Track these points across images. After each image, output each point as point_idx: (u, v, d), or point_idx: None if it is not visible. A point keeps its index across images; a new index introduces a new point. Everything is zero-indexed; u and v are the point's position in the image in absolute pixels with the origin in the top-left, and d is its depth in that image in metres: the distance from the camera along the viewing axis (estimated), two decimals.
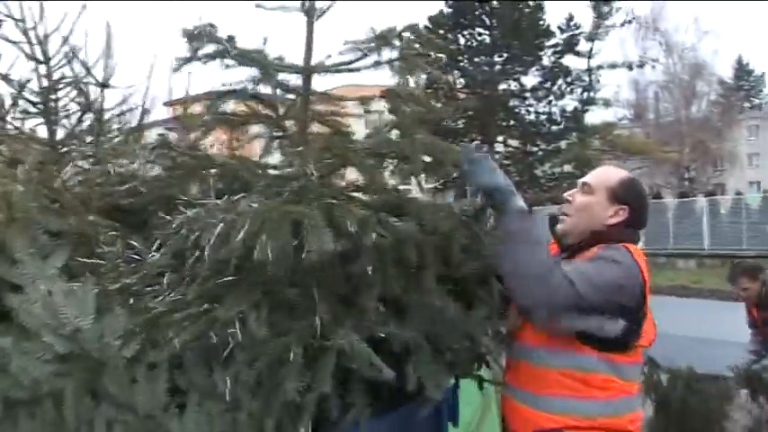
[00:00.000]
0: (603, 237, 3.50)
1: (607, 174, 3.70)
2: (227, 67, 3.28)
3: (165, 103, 4.69)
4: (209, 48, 3.29)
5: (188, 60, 3.35)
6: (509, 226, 3.32)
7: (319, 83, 3.42)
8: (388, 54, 3.38)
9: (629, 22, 55.95)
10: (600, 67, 53.63)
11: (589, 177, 3.69)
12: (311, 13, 3.35)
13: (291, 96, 3.44)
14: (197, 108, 3.43)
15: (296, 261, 2.90)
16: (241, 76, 3.33)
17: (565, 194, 3.72)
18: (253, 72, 3.34)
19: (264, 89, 3.40)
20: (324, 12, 3.39)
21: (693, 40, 61.54)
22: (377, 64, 3.38)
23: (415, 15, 50.55)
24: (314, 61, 3.38)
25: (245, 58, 3.30)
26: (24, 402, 2.76)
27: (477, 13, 50.52)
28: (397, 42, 3.39)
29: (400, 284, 3.13)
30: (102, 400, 2.74)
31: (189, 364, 2.84)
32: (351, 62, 3.38)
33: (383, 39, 3.36)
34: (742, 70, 73.56)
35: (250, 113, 3.54)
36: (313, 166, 3.24)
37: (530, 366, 3.46)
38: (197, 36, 3.28)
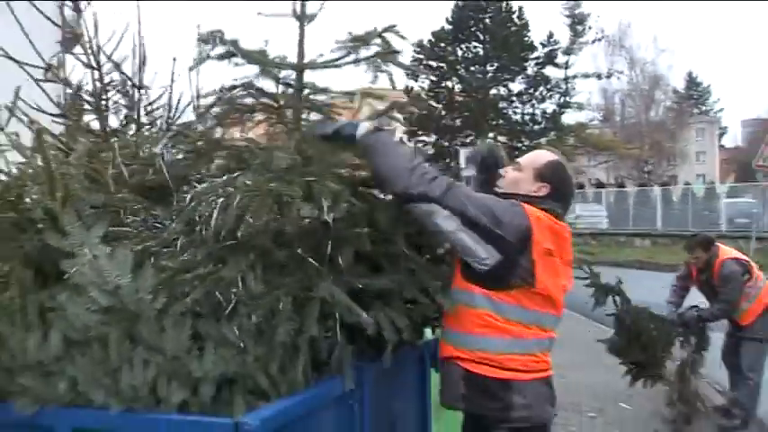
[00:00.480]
0: (523, 200, 3.42)
1: (537, 156, 3.68)
2: (236, 65, 3.29)
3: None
4: (220, 49, 3.31)
5: (202, 60, 3.37)
6: (367, 142, 3.27)
7: (326, 81, 3.41)
8: (365, 52, 3.36)
9: (600, 39, 55.96)
10: (575, 77, 53.61)
11: (522, 158, 3.69)
12: (302, 19, 3.35)
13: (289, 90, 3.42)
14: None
15: (280, 228, 3.01)
16: (247, 73, 3.33)
17: (500, 170, 3.70)
18: (255, 69, 3.34)
19: (265, 84, 3.39)
20: (314, 17, 3.37)
21: (652, 56, 61.29)
22: (356, 61, 3.36)
23: (420, 32, 50.32)
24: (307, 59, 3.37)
25: (250, 57, 3.31)
26: (78, 343, 2.79)
27: (472, 29, 50.46)
28: (376, 42, 3.36)
29: (372, 244, 3.15)
30: (138, 344, 2.77)
31: (203, 316, 2.91)
32: (336, 60, 3.36)
33: (362, 39, 3.35)
34: (692, 82, 73.26)
35: (255, 104, 3.53)
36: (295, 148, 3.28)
37: (446, 307, 3.38)
38: (209, 39, 3.30)
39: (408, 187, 3.16)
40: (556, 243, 3.40)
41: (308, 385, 2.95)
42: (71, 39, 4.34)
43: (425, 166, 3.26)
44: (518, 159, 3.68)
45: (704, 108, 75.01)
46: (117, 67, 4.09)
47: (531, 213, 3.32)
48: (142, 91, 4.13)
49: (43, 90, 4.16)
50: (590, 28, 54.67)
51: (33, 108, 3.91)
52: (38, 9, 4.37)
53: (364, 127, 3.29)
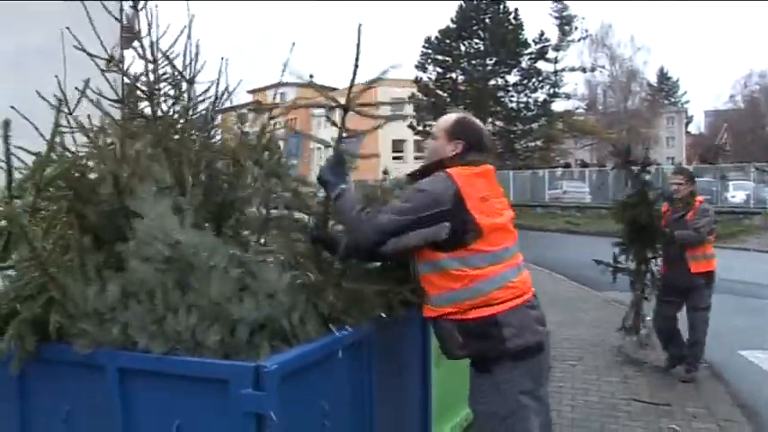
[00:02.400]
0: (447, 163, 3.41)
1: (444, 120, 3.60)
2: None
3: (248, 91, 4.68)
4: None
5: None
6: (334, 206, 3.40)
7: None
8: None
9: (584, 38, 55.63)
10: (563, 70, 53.25)
11: (433, 127, 3.65)
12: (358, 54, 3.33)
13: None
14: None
15: None
16: None
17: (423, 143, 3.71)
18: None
19: None
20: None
21: (630, 53, 60.85)
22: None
23: (428, 29, 50.16)
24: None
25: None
26: (132, 293, 2.85)
27: (474, 28, 50.28)
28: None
29: None
30: (187, 292, 2.83)
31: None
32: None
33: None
34: (663, 77, 72.70)
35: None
36: None
37: (419, 277, 3.40)
38: None
39: (367, 239, 3.26)
40: (488, 187, 3.40)
41: (321, 335, 2.99)
42: (130, 35, 4.33)
43: (361, 215, 3.29)
44: (431, 131, 3.65)
45: (673, 99, 74.60)
46: (170, 62, 4.08)
47: (455, 174, 3.30)
48: (191, 85, 4.11)
49: (107, 79, 4.16)
50: (576, 28, 54.42)
51: (97, 95, 3.92)
52: (105, 8, 4.36)
53: (336, 186, 3.39)
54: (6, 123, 2.93)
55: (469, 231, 3.23)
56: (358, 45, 3.28)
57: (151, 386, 2.79)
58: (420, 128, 49.89)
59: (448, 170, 3.32)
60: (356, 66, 3.28)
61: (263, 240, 3.44)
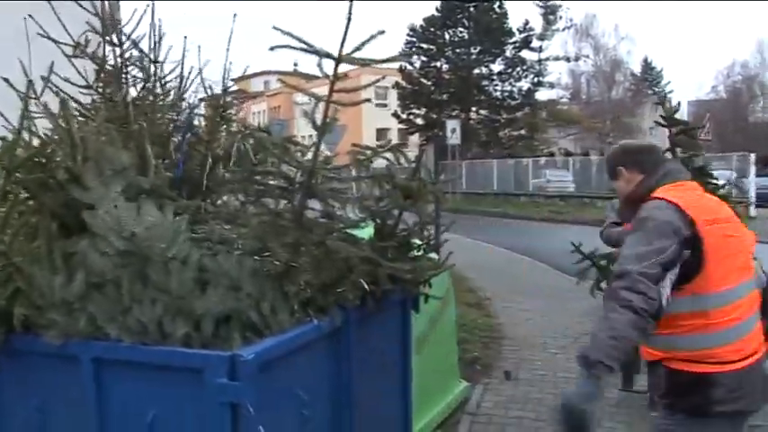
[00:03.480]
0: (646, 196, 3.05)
1: (608, 159, 3.38)
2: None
3: (232, 80, 4.62)
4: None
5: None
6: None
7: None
8: None
9: (569, 27, 55.56)
10: (547, 59, 53.18)
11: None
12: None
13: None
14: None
15: None
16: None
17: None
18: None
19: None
20: None
21: (614, 42, 60.90)
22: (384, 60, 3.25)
23: (413, 17, 50.23)
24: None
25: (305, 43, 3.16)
26: (97, 284, 2.79)
27: (459, 16, 50.16)
28: None
29: None
30: (148, 285, 2.77)
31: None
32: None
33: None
34: (647, 67, 72.69)
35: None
36: None
37: None
38: None
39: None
40: (710, 210, 3.01)
41: (297, 324, 2.93)
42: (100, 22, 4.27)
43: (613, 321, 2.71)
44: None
45: (657, 89, 74.89)
46: (135, 44, 4.03)
47: (669, 197, 2.95)
48: (157, 65, 4.06)
49: (73, 65, 4.11)
50: (561, 17, 54.41)
51: (63, 80, 3.86)
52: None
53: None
54: None
55: (688, 266, 2.85)
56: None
57: (126, 376, 2.75)
58: (404, 116, 49.83)
59: (661, 197, 2.98)
60: (349, 18, 3.17)
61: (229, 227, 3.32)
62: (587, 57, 58.81)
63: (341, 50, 3.18)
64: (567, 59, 56.65)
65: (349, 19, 3.16)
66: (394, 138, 57.89)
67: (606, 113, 57.78)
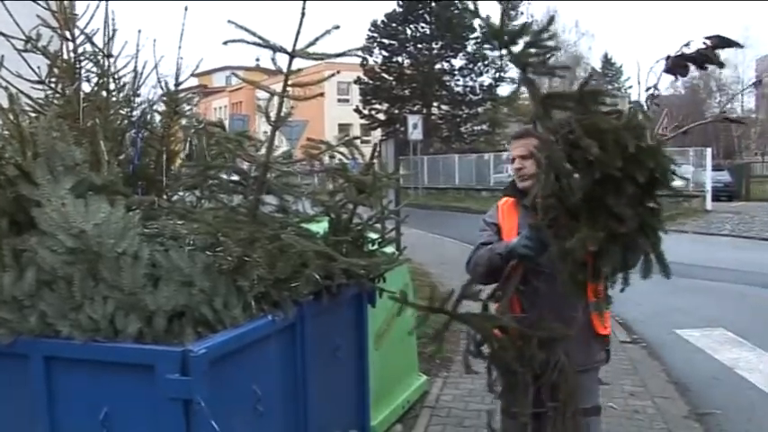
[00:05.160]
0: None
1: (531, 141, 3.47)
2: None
3: (193, 74, 4.58)
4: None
5: None
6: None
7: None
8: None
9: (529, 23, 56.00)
10: None
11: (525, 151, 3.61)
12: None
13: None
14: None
15: None
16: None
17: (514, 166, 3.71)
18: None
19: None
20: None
21: (575, 38, 61.57)
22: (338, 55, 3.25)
23: (374, 13, 50.17)
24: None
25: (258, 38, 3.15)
26: (47, 282, 2.76)
27: (420, 11, 50.21)
28: None
29: None
30: (99, 282, 2.75)
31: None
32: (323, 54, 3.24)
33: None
34: (608, 62, 73.81)
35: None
36: None
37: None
38: None
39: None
40: None
41: (251, 319, 2.93)
42: (53, 15, 4.22)
43: None
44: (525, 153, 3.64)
45: (617, 85, 75.81)
46: (89, 38, 3.99)
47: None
48: (111, 59, 4.02)
49: (24, 60, 4.05)
50: (522, 13, 54.72)
51: (15, 76, 3.82)
52: None
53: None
54: None
55: None
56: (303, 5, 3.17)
57: (78, 373, 2.72)
58: (366, 112, 49.75)
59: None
60: (302, 14, 3.16)
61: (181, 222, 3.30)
62: None
63: (294, 45, 3.18)
64: None
65: (303, 14, 3.17)
66: (356, 133, 58.09)
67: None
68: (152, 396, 2.52)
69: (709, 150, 29.41)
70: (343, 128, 57.79)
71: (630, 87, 63.36)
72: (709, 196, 28.24)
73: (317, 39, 3.23)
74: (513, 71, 55.52)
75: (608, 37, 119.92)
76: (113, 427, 2.65)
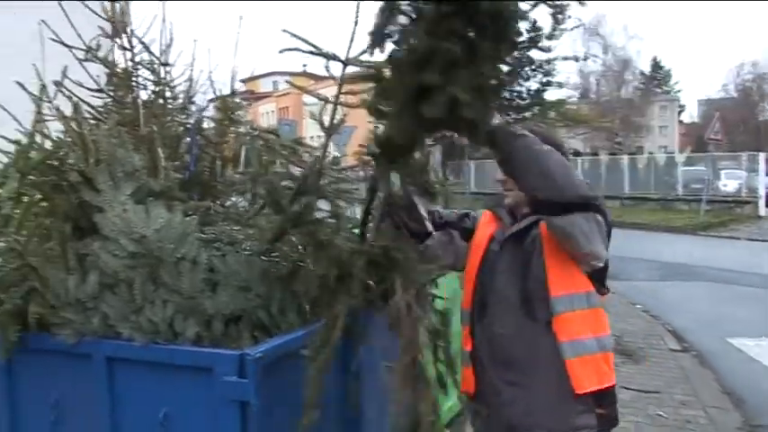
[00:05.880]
0: None
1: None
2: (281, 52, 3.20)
3: (241, 80, 4.67)
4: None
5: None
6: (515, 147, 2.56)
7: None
8: None
9: (578, 27, 55.42)
10: (556, 59, 53.01)
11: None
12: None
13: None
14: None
15: None
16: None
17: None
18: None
19: None
20: None
21: (623, 42, 60.82)
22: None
23: None
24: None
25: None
26: (109, 285, 2.85)
27: None
28: None
29: None
30: (159, 286, 2.82)
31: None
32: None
33: None
34: (656, 66, 72.76)
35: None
36: None
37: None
38: None
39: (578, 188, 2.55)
40: None
41: (305, 324, 2.97)
42: (111, 25, 4.34)
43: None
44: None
45: (666, 88, 74.75)
46: (146, 48, 4.09)
47: None
48: (167, 68, 4.12)
49: (85, 69, 4.17)
50: (569, 17, 54.26)
51: (76, 84, 3.93)
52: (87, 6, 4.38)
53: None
54: None
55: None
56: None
57: (138, 374, 2.80)
58: None
59: None
60: (356, 22, 3.19)
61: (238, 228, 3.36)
62: (596, 56, 58.69)
63: (348, 53, 3.23)
64: (576, 59, 56.52)
65: (356, 22, 3.21)
66: None
67: (615, 113, 57.64)
68: (210, 398, 2.58)
69: (762, 155, 28.86)
70: None
71: (680, 91, 62.76)
72: (762, 202, 27.72)
73: (369, 47, 3.26)
74: (560, 75, 55.26)
75: (657, 39, 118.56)
76: (172, 427, 2.71)
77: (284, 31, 3.27)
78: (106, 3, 4.18)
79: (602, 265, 2.75)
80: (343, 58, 3.22)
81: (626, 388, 6.88)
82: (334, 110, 3.31)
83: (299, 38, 3.23)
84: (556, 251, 2.71)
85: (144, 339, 2.74)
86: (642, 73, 64.86)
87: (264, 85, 77.23)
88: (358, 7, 3.16)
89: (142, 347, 2.75)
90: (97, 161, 3.11)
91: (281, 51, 3.21)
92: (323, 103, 3.32)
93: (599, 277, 2.77)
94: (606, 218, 2.67)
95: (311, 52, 3.25)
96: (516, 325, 2.78)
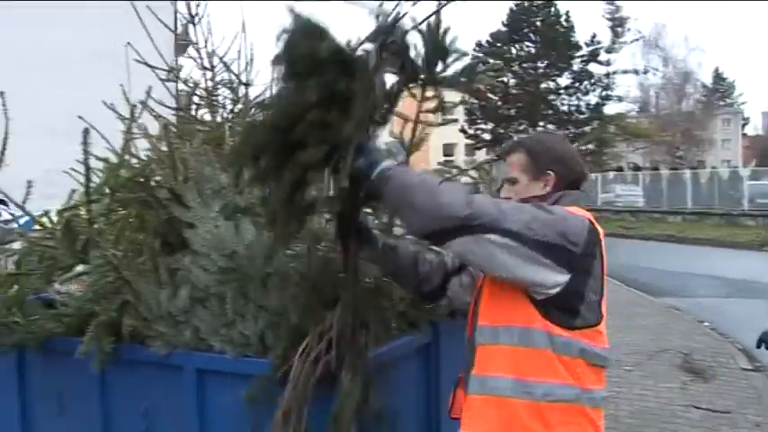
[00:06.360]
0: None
1: (519, 157, 2.60)
2: None
3: None
4: None
5: None
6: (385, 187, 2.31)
7: None
8: None
9: (637, 40, 54.82)
10: (615, 73, 52.53)
11: (508, 162, 2.64)
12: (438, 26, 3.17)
13: None
14: None
15: None
16: None
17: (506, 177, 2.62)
18: None
19: None
20: None
21: (684, 54, 59.83)
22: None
23: (479, 33, 50.19)
24: None
25: None
26: (200, 299, 2.94)
27: (525, 31, 50.08)
28: None
29: None
30: (249, 300, 2.88)
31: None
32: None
33: None
34: (719, 78, 71.54)
35: None
36: None
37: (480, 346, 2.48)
38: None
39: (462, 218, 2.19)
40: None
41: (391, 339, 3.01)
42: (185, 45, 4.49)
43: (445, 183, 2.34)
44: (507, 177, 2.64)
45: (729, 100, 73.34)
46: (227, 68, 4.21)
47: (583, 213, 2.42)
48: (247, 88, 4.23)
49: (167, 89, 4.31)
50: (629, 30, 53.74)
51: (158, 103, 4.06)
52: (159, 20, 4.53)
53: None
54: (86, 131, 3.05)
55: (586, 303, 2.33)
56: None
57: (228, 386, 2.83)
58: (471, 131, 49.79)
59: (573, 210, 2.40)
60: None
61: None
62: (656, 69, 57.93)
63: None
64: (636, 72, 55.93)
65: None
66: (461, 153, 58.01)
67: (676, 126, 56.74)
68: None
69: None
70: (448, 147, 57.92)
71: (744, 103, 61.53)
72: None
73: (447, 66, 3.30)
74: (620, 89, 54.66)
75: (719, 50, 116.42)
76: None
77: None
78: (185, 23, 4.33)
79: (550, 292, 2.27)
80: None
81: (696, 407, 6.78)
82: (415, 128, 3.37)
83: None
84: (494, 279, 2.39)
85: (235, 352, 2.81)
86: (704, 85, 63.74)
87: None
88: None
89: (233, 360, 2.81)
90: (186, 179, 3.21)
91: None
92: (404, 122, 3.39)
93: (565, 307, 2.30)
94: (524, 237, 2.20)
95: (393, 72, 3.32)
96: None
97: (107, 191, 3.39)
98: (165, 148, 3.42)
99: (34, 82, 17.94)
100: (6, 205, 7.37)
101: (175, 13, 5.18)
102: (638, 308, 12.01)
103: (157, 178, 3.45)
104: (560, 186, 2.51)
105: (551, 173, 2.52)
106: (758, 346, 3.90)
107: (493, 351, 2.38)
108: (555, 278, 2.24)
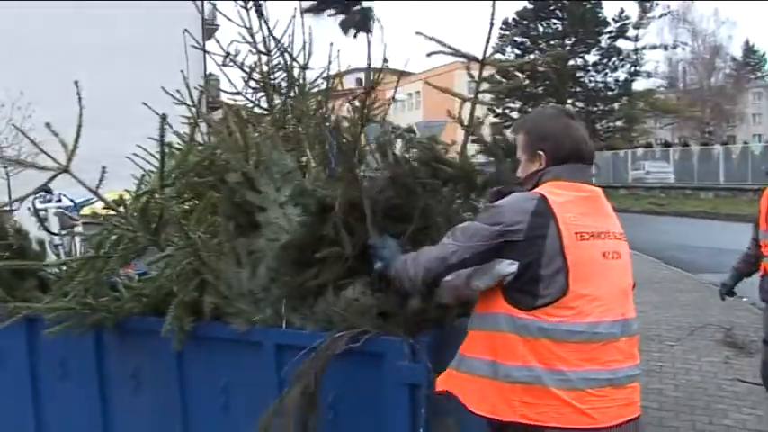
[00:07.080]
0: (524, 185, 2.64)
1: (520, 138, 2.74)
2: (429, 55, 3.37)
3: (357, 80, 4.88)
4: None
5: None
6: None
7: None
8: None
9: (666, 14, 54.13)
10: (643, 48, 51.89)
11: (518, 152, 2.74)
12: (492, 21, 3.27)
13: None
14: None
15: None
16: None
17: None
18: None
19: None
20: None
21: (713, 27, 59.00)
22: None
23: (506, 11, 49.69)
24: None
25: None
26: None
27: (552, 8, 49.58)
28: None
29: None
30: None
31: None
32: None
33: None
34: (749, 51, 70.13)
35: None
36: None
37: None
38: None
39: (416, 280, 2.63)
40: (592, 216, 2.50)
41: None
42: (212, 30, 4.58)
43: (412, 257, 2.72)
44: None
45: (760, 74, 72.11)
46: (285, 51, 4.28)
47: (532, 194, 2.50)
48: (305, 71, 4.31)
49: (224, 74, 4.41)
50: (657, 4, 53.06)
51: (218, 89, 4.16)
52: (217, 10, 4.62)
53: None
54: (164, 117, 3.16)
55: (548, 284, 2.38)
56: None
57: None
58: (499, 110, 49.55)
59: (541, 193, 2.48)
60: (491, 24, 3.29)
61: None
62: (685, 44, 57.21)
63: (484, 53, 3.37)
64: (665, 47, 55.27)
65: (491, 24, 3.34)
66: (487, 132, 57.55)
67: (705, 102, 56.07)
68: (380, 382, 2.76)
69: None
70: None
71: None
72: None
73: (500, 47, 3.39)
74: (648, 65, 54.03)
75: (750, 23, 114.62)
76: (340, 410, 2.90)
77: (418, 33, 3.43)
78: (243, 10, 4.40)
79: (507, 280, 2.43)
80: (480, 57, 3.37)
81: (741, 380, 6.81)
82: (473, 108, 3.45)
83: (437, 40, 3.40)
84: None
85: (315, 329, 2.93)
86: (734, 59, 62.83)
87: (348, 83, 77.76)
88: (493, 8, 3.31)
89: (310, 335, 2.91)
90: (257, 163, 3.31)
91: (428, 55, 3.38)
92: (461, 102, 3.46)
93: (524, 290, 2.40)
94: (466, 260, 2.49)
95: (450, 53, 3.41)
96: None
97: (177, 175, 3.49)
98: (236, 133, 3.50)
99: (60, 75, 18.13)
100: (51, 193, 7.52)
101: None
102: (677, 284, 12.00)
103: (224, 162, 3.54)
104: (551, 164, 2.57)
105: (541, 152, 2.59)
106: None
107: (475, 335, 2.57)
108: (505, 270, 2.42)
